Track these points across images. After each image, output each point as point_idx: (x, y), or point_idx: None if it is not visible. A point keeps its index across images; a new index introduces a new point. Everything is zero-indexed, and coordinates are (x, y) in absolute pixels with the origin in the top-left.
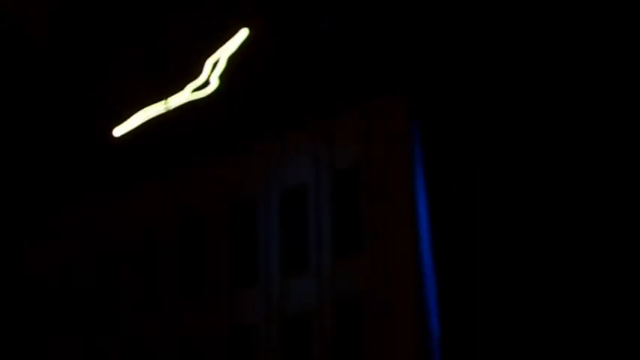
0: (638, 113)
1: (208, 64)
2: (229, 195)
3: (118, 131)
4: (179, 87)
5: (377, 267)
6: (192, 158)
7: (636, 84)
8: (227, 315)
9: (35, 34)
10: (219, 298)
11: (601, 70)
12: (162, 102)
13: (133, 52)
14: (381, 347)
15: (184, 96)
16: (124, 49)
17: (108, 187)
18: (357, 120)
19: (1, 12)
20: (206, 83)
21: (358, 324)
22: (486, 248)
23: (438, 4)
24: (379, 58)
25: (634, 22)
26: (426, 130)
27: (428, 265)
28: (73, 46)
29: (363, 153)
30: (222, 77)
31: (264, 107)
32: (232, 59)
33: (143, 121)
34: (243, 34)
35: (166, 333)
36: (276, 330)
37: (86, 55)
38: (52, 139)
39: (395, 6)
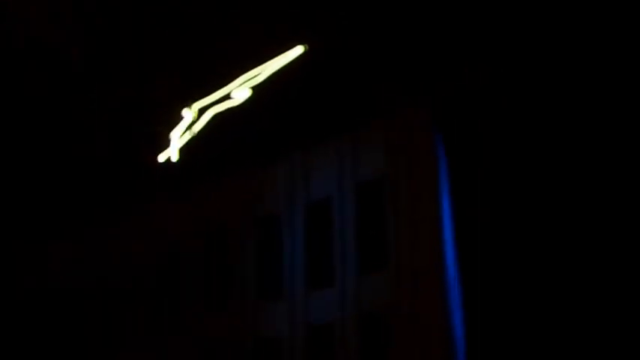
0: (638, 113)
1: (242, 79)
2: (255, 208)
3: (162, 157)
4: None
5: (402, 280)
6: (218, 172)
7: (636, 84)
8: (251, 327)
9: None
10: (244, 310)
11: (606, 70)
12: (192, 114)
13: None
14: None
15: (212, 109)
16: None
17: (134, 200)
18: (380, 132)
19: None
20: (228, 97)
21: (383, 338)
22: (513, 260)
23: (460, 17)
24: (402, 71)
25: (633, 21)
26: (449, 142)
27: (453, 278)
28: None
29: (387, 165)
30: (255, 90)
31: (289, 121)
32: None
33: (183, 142)
34: (297, 51)
35: (192, 345)
36: (300, 343)
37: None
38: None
39: (417, 20)
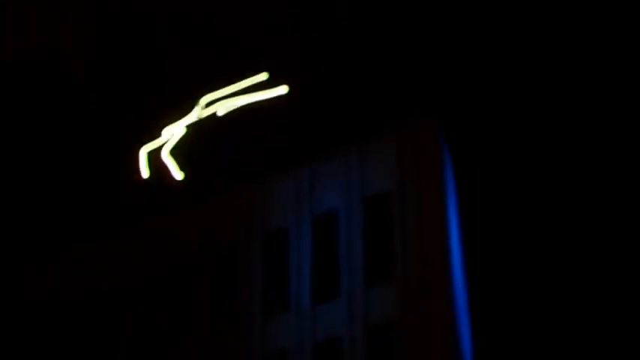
0: None
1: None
2: (262, 221)
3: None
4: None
5: (409, 292)
6: (226, 185)
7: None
8: (259, 341)
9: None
10: (252, 324)
11: (611, 75)
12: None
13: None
14: None
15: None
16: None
17: (145, 212)
18: (388, 145)
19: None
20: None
21: (391, 350)
22: (520, 269)
23: (466, 31)
24: (408, 84)
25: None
26: (457, 154)
27: (460, 290)
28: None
29: (395, 178)
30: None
31: (296, 134)
32: (263, 87)
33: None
34: (281, 90)
35: (200, 358)
36: (308, 356)
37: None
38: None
39: (424, 34)
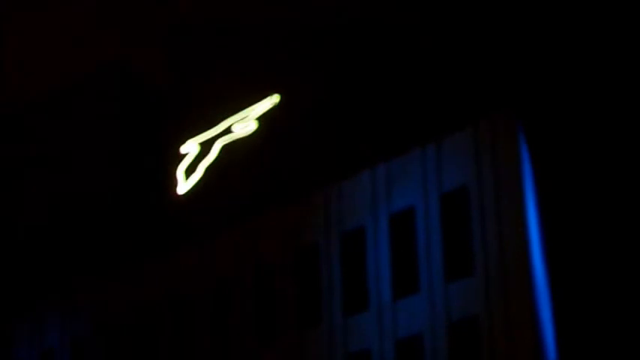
0: None
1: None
2: (339, 222)
3: (182, 189)
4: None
5: (490, 287)
6: (298, 186)
7: None
8: (342, 341)
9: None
10: (334, 324)
11: None
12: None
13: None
14: None
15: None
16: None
17: (184, 238)
18: (464, 140)
19: None
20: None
21: (473, 345)
22: (602, 261)
23: (541, 21)
24: (485, 77)
25: None
26: (534, 146)
27: (542, 283)
28: None
29: (472, 172)
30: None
31: (371, 131)
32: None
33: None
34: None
35: None
36: (390, 353)
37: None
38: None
39: (500, 26)
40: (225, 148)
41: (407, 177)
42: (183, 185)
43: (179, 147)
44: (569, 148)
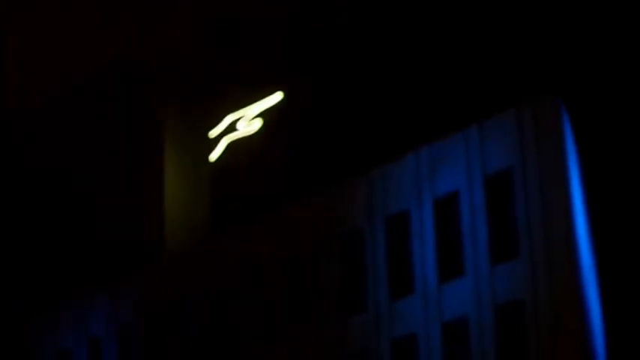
0: None
1: None
2: (383, 206)
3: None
4: None
5: (536, 269)
6: (341, 175)
7: None
8: (387, 325)
9: None
10: (379, 308)
11: None
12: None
13: None
14: (546, 351)
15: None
16: None
17: (227, 227)
18: (507, 121)
19: None
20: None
21: (519, 327)
22: None
23: (583, 3)
24: (529, 59)
25: None
26: (579, 128)
27: (588, 264)
28: None
29: (516, 154)
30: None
31: (412, 115)
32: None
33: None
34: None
35: (329, 345)
36: (436, 336)
37: None
38: None
39: (544, 8)
40: (266, 133)
41: (450, 160)
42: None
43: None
44: (613, 129)
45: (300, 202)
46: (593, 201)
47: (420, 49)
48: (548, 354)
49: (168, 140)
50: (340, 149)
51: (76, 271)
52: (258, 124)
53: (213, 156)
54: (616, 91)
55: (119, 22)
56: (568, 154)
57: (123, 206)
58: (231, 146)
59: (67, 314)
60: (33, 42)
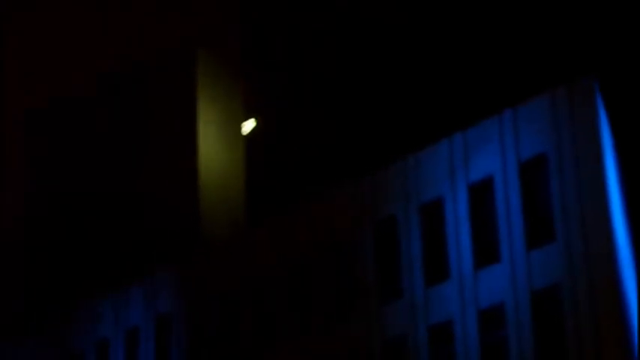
0: None
1: None
2: (417, 193)
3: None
4: None
5: (571, 254)
6: (376, 163)
7: None
8: (423, 311)
9: None
10: (415, 294)
11: None
12: None
13: None
14: (584, 335)
15: None
16: None
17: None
18: (541, 106)
19: None
20: None
21: (556, 312)
22: None
23: None
24: (563, 43)
25: None
26: (614, 113)
27: (624, 248)
28: None
29: (550, 139)
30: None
31: (446, 101)
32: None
33: None
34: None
35: (366, 333)
36: (473, 322)
37: None
38: None
39: None
40: (298, 122)
41: (485, 146)
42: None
43: None
44: None
45: (335, 191)
46: (628, 183)
47: (456, 33)
48: (586, 339)
49: (203, 122)
50: (375, 137)
51: (113, 262)
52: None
53: (246, 130)
54: None
55: (119, 22)
56: (603, 137)
57: (158, 196)
58: (265, 133)
59: (105, 305)
60: (33, 42)
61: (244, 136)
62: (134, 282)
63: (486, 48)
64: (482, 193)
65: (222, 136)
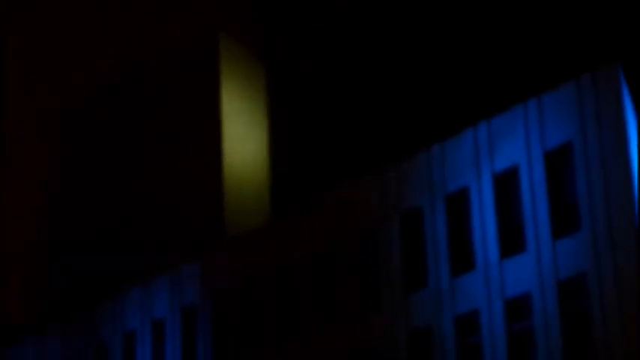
0: None
1: None
2: (442, 183)
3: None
4: None
5: (597, 243)
6: (401, 153)
7: None
8: (449, 301)
9: None
10: (441, 284)
11: None
12: None
13: None
14: (611, 325)
15: None
16: None
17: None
18: (566, 94)
19: None
20: None
21: (582, 302)
22: None
23: None
24: (588, 33)
25: None
26: (639, 99)
27: None
28: None
29: (576, 129)
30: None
31: (470, 90)
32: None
33: None
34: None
35: (390, 322)
36: (499, 312)
37: None
38: None
39: None
40: (320, 113)
41: (509, 135)
42: None
43: None
44: None
45: (360, 181)
46: None
47: (482, 22)
48: (613, 327)
49: (226, 112)
50: (400, 127)
51: (139, 254)
52: None
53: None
54: None
55: (120, 21)
56: (628, 124)
57: (183, 188)
58: (289, 126)
59: (131, 298)
60: (33, 42)
61: (269, 126)
62: (160, 274)
63: (511, 37)
64: (507, 183)
65: (247, 125)
